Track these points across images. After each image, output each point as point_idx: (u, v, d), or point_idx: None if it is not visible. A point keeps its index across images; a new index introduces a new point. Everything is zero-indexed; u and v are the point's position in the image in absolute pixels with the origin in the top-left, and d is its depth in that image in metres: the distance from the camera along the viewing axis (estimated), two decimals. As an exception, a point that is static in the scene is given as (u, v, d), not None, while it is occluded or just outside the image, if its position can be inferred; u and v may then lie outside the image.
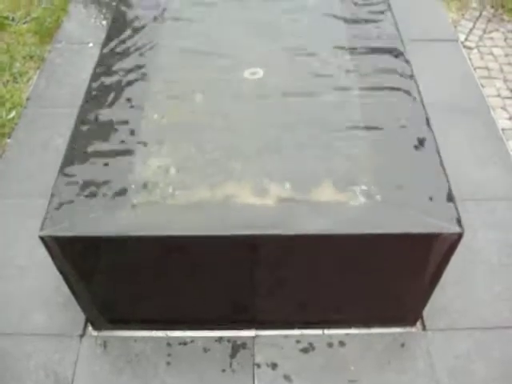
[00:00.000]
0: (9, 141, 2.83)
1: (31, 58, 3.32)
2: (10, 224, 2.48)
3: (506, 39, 3.56)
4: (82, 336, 2.11)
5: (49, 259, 1.77)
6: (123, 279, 1.84)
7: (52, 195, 1.69)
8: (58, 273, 1.83)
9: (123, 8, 2.45)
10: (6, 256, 2.36)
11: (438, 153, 1.80)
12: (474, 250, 2.32)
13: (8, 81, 3.19)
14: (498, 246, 2.36)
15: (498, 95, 3.15)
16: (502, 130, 2.88)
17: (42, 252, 1.74)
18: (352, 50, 2.16)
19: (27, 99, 3.05)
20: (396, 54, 2.16)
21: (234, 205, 1.64)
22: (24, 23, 3.62)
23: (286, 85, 2.02)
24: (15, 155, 2.75)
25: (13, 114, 2.98)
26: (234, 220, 1.60)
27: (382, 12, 2.37)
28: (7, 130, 2.90)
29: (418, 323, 2.13)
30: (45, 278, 2.24)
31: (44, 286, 2.25)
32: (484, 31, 3.60)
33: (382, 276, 1.77)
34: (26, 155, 2.73)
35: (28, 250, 2.33)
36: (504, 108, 3.06)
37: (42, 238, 1.63)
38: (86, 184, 1.70)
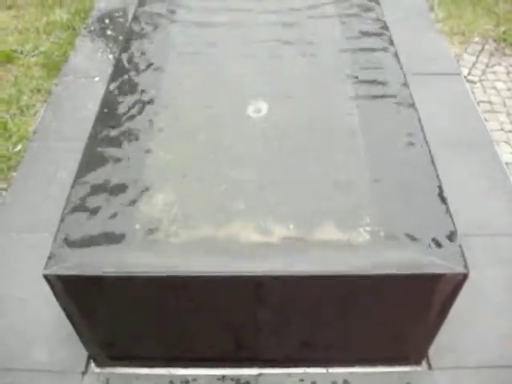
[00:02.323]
0: (15, 174, 2.85)
1: (38, 91, 3.36)
2: (14, 257, 2.48)
3: (508, 73, 3.59)
4: (84, 373, 2.09)
5: (51, 294, 1.76)
6: (126, 317, 1.84)
7: (57, 233, 1.70)
8: (60, 308, 1.83)
9: (130, 43, 2.49)
10: (8, 289, 2.35)
11: (442, 190, 1.80)
12: (479, 287, 2.30)
13: (15, 114, 3.22)
14: (503, 282, 2.34)
15: (502, 129, 3.16)
16: (506, 164, 2.88)
17: (45, 286, 1.73)
18: (355, 85, 2.18)
19: (34, 132, 3.07)
20: (399, 86, 2.17)
21: (237, 244, 1.64)
22: (32, 56, 3.67)
23: (289, 121, 2.04)
24: (21, 188, 2.76)
25: (19, 147, 3.01)
26: (238, 259, 1.60)
27: (384, 45, 2.41)
28: (13, 163, 2.92)
29: (424, 362, 2.10)
30: (47, 312, 2.23)
31: (46, 320, 2.24)
32: (487, 65, 3.63)
33: (386, 315, 1.75)
34: (31, 189, 2.75)
35: (30, 284, 2.31)
36: (508, 142, 3.06)
37: (46, 277, 1.63)
38: (91, 222, 1.71)
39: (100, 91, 2.30)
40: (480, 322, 2.23)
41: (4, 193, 2.77)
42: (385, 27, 2.51)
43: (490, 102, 3.34)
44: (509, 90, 3.46)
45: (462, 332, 2.18)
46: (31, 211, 2.64)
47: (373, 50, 2.35)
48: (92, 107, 2.29)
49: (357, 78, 2.20)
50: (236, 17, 2.58)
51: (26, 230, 2.56)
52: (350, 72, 2.24)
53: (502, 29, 3.90)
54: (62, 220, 1.74)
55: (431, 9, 4.05)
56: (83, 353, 2.11)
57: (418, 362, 2.08)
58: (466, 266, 1.59)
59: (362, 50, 2.37)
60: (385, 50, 2.36)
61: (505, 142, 3.07)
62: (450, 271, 1.58)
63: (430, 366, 2.09)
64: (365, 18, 2.59)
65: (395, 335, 1.88)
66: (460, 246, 1.64)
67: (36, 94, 3.35)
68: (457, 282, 1.62)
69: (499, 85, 3.49)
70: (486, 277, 2.34)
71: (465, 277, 1.60)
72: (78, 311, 1.81)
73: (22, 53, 3.71)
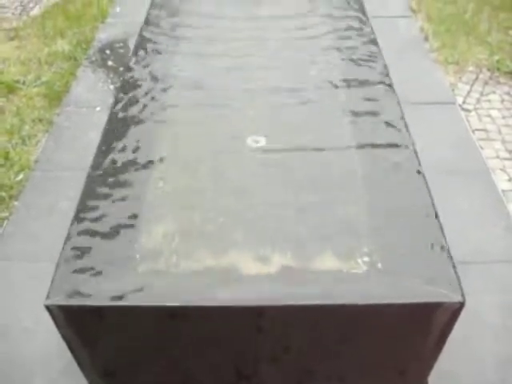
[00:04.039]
0: (16, 203, 2.88)
1: (40, 121, 3.41)
2: (15, 286, 2.50)
3: (502, 101, 3.65)
4: (84, 403, 2.10)
5: (52, 323, 1.78)
6: (126, 346, 1.85)
7: (58, 264, 1.72)
8: (60, 337, 1.84)
9: (130, 75, 2.53)
10: (9, 318, 2.37)
11: (438, 218, 1.83)
12: (478, 314, 2.32)
13: (17, 143, 3.26)
14: (501, 308, 2.36)
15: (497, 157, 3.21)
16: (502, 191, 2.92)
17: (46, 316, 1.75)
18: (351, 116, 2.22)
19: (35, 162, 3.12)
20: (393, 117, 2.22)
21: (237, 274, 1.66)
22: (34, 87, 3.73)
23: (288, 154, 2.07)
24: (22, 217, 2.80)
25: (21, 176, 3.04)
26: (237, 289, 1.62)
27: (379, 74, 2.46)
28: (15, 192, 2.95)
29: (424, 390, 2.11)
30: (47, 341, 2.24)
31: (47, 349, 2.25)
32: (481, 94, 3.69)
33: (384, 344, 1.76)
34: (32, 218, 2.78)
35: (31, 313, 2.33)
36: (503, 170, 3.11)
37: (48, 307, 1.65)
38: (92, 252, 1.73)
39: (101, 121, 2.34)
40: (479, 349, 2.25)
41: (5, 222, 2.79)
42: (380, 57, 2.56)
43: (485, 130, 3.40)
44: (503, 117, 3.52)
45: (461, 359, 2.19)
46: (32, 240, 2.66)
47: (368, 81, 2.40)
48: (93, 137, 2.32)
49: (352, 110, 2.24)
50: (237, 49, 2.63)
51: (28, 259, 2.58)
52: (345, 105, 2.28)
53: (496, 58, 3.97)
54: (63, 250, 1.76)
55: (426, 39, 4.13)
56: (83, 382, 2.11)
57: (417, 390, 2.08)
58: (462, 295, 1.61)
59: (357, 81, 2.42)
60: (380, 81, 2.41)
61: (500, 169, 3.11)
62: (447, 300, 1.60)
63: (429, 394, 2.10)
64: (360, 49, 2.64)
65: (394, 364, 1.89)
66: (456, 275, 1.66)
67: (38, 123, 3.40)
68: (454, 311, 1.64)
69: (494, 113, 3.55)
70: (484, 304, 2.36)
71: (461, 305, 1.62)
72: (79, 341, 1.81)
73: (24, 83, 3.77)
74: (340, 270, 1.66)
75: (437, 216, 1.84)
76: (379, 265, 1.66)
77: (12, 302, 2.43)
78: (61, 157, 3.13)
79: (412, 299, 1.60)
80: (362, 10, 2.87)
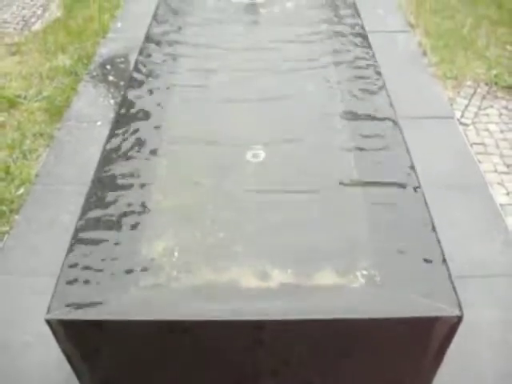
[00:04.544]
0: (17, 217, 2.90)
1: (41, 135, 3.43)
2: (15, 300, 2.50)
3: (500, 115, 3.68)
4: (83, 417, 2.10)
5: (51, 337, 1.78)
6: (126, 360, 1.85)
7: (58, 278, 1.73)
8: (60, 350, 1.85)
9: (131, 90, 2.56)
10: (9, 332, 2.38)
11: (436, 232, 1.84)
12: (477, 328, 2.33)
13: (18, 158, 3.29)
14: (500, 323, 2.37)
15: (495, 171, 3.23)
16: (501, 205, 2.94)
17: (45, 329, 1.75)
18: (349, 128, 2.25)
19: (36, 176, 3.14)
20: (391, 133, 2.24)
21: (237, 288, 1.67)
22: (35, 101, 3.76)
23: (287, 167, 2.09)
24: (23, 232, 2.81)
25: (21, 190, 3.06)
26: (237, 304, 1.63)
27: (377, 89, 2.48)
28: (16, 206, 2.97)
29: (423, 404, 2.11)
30: (47, 355, 2.25)
31: (46, 363, 2.25)
32: (479, 108, 3.72)
33: (383, 358, 1.77)
34: (33, 232, 2.79)
35: (31, 327, 2.34)
36: (501, 184, 3.12)
37: (48, 321, 1.65)
38: (93, 267, 1.74)
39: (102, 135, 2.36)
40: (478, 363, 2.25)
41: (6, 236, 2.81)
42: (378, 72, 2.59)
43: (483, 144, 3.42)
44: (501, 131, 3.54)
45: (460, 373, 2.19)
46: (33, 254, 2.67)
47: (368, 92, 2.43)
48: (94, 151, 2.34)
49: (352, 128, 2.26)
50: (238, 65, 2.66)
51: (28, 273, 2.60)
52: (343, 118, 2.30)
53: (494, 72, 4.01)
54: (64, 264, 1.77)
55: (424, 54, 4.17)
56: (83, 397, 2.12)
57: (416, 405, 2.08)
58: (460, 309, 1.62)
59: (356, 96, 2.44)
60: (378, 94, 2.43)
61: (498, 183, 3.13)
62: (445, 314, 1.61)
63: (429, 409, 2.10)
64: (358, 64, 2.67)
65: (393, 378, 1.89)
66: (454, 289, 1.67)
67: (39, 138, 3.43)
68: (452, 325, 1.64)
69: (492, 127, 3.58)
70: (483, 318, 2.37)
71: (459, 319, 1.63)
72: (79, 354, 1.82)
73: (25, 98, 3.80)
74: (339, 284, 1.67)
75: (435, 230, 1.85)
76: (377, 279, 1.68)
77: (12, 315, 2.44)
78: (61, 171, 3.15)
79: (410, 313, 1.61)
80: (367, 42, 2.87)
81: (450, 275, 1.70)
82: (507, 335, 2.33)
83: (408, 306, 1.62)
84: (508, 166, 3.26)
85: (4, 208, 2.95)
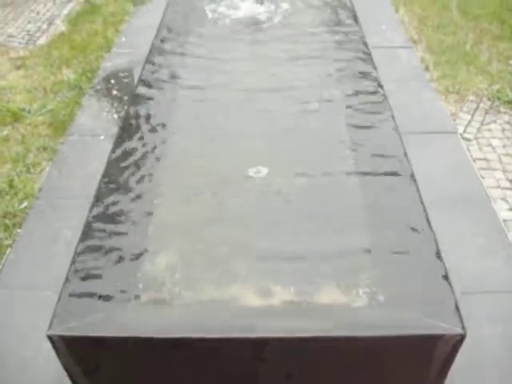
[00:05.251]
0: (19, 231, 2.90)
1: (45, 149, 3.44)
2: (17, 314, 2.50)
3: (503, 130, 3.68)
4: (84, 434, 2.08)
5: (52, 352, 1.78)
6: (128, 377, 1.84)
7: (61, 294, 1.73)
8: (60, 365, 1.84)
9: (135, 105, 2.57)
10: (9, 347, 2.37)
11: (438, 248, 1.84)
12: (480, 345, 2.31)
13: (21, 171, 3.29)
14: (503, 339, 2.35)
15: (498, 186, 3.22)
16: (504, 221, 2.93)
17: (46, 345, 1.75)
18: (352, 146, 2.25)
19: (39, 190, 3.14)
20: (395, 149, 2.24)
21: (239, 305, 1.67)
22: (39, 115, 3.77)
23: (289, 182, 2.09)
24: (25, 245, 2.81)
25: (25, 204, 3.06)
26: (239, 321, 1.63)
27: (379, 104, 2.49)
28: (18, 219, 2.97)
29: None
30: (47, 370, 2.24)
31: (46, 378, 2.24)
32: (482, 123, 3.72)
33: (386, 376, 1.76)
34: (35, 246, 2.79)
35: (32, 342, 2.33)
36: (504, 199, 3.12)
37: (50, 337, 1.65)
38: (95, 283, 1.74)
39: (105, 150, 2.37)
40: (482, 380, 2.23)
41: (9, 249, 2.81)
42: (380, 86, 2.60)
43: (486, 159, 3.42)
44: (504, 146, 3.54)
45: (463, 391, 2.18)
46: (35, 268, 2.67)
47: (369, 112, 2.43)
48: (97, 165, 2.35)
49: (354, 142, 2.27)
50: (242, 80, 2.68)
51: (30, 287, 2.59)
52: (346, 133, 2.31)
53: (496, 87, 4.02)
54: (66, 281, 1.77)
55: (427, 69, 4.18)
56: (83, 413, 2.10)
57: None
58: (463, 327, 1.61)
59: (359, 110, 2.45)
60: (381, 112, 2.44)
61: (502, 198, 3.12)
62: (448, 332, 1.60)
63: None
64: (361, 78, 2.68)
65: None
66: (457, 307, 1.66)
67: (42, 152, 3.43)
68: (455, 343, 1.63)
69: (495, 142, 3.57)
70: (486, 334, 2.35)
71: (462, 337, 1.62)
72: (80, 370, 1.81)
73: (29, 112, 3.81)
74: (341, 302, 1.67)
75: (437, 246, 1.85)
76: (380, 297, 1.67)
77: (13, 330, 2.43)
78: (65, 185, 3.15)
79: (413, 331, 1.60)
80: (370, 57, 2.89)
81: (453, 293, 1.70)
82: (510, 352, 2.31)
83: (411, 324, 1.61)
84: (511, 181, 3.25)
85: (7, 222, 2.95)
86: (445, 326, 1.60)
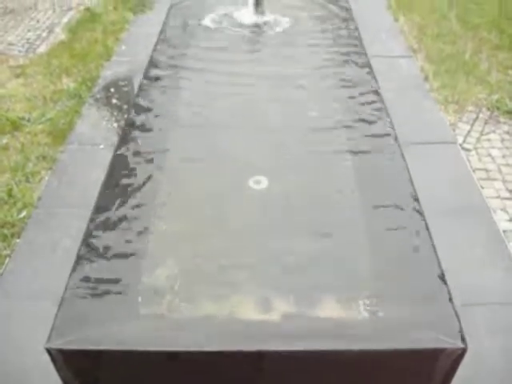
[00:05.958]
0: (18, 241, 2.89)
1: (44, 158, 3.43)
2: (15, 325, 2.48)
3: (502, 140, 3.68)
4: None
5: (50, 364, 1.76)
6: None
7: (59, 306, 1.71)
8: (59, 378, 1.83)
9: (135, 113, 2.57)
10: (7, 358, 2.35)
11: (438, 259, 1.83)
12: (481, 357, 2.30)
13: (20, 180, 3.28)
14: (504, 351, 2.34)
15: (498, 196, 3.22)
16: (503, 231, 2.92)
17: (44, 356, 1.74)
18: (351, 155, 2.26)
19: (38, 199, 3.13)
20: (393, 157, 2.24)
21: (238, 318, 1.66)
22: (39, 124, 3.76)
23: (289, 194, 2.09)
24: (24, 255, 2.79)
25: (23, 213, 3.05)
26: (238, 334, 1.62)
27: (379, 113, 2.49)
28: (17, 229, 2.96)
29: None
30: (46, 382, 2.22)
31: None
32: (481, 133, 3.73)
33: (387, 391, 1.76)
34: (34, 256, 2.78)
35: (30, 353, 2.31)
36: (504, 209, 3.11)
37: (48, 350, 1.64)
38: (94, 296, 1.73)
39: (105, 159, 2.36)
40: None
41: (7, 259, 2.79)
42: (380, 97, 2.60)
43: (485, 170, 3.42)
44: (504, 156, 3.54)
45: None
46: (34, 279, 2.66)
47: (368, 121, 2.44)
48: (97, 174, 2.35)
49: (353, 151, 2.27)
50: (241, 91, 2.68)
51: (28, 297, 2.57)
52: (346, 146, 2.31)
53: (495, 97, 4.02)
54: (65, 292, 1.76)
55: (426, 78, 4.19)
56: (81, 425, 2.09)
57: None
58: (464, 341, 1.60)
59: (358, 121, 2.45)
60: (380, 120, 2.44)
61: (501, 209, 3.12)
62: (449, 346, 1.59)
63: None
64: (360, 88, 2.69)
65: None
66: (458, 320, 1.66)
67: (41, 161, 3.42)
68: (456, 357, 1.63)
69: (494, 152, 3.58)
70: (486, 347, 2.34)
71: (464, 351, 1.61)
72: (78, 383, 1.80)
73: (28, 120, 3.80)
74: (341, 316, 1.66)
75: (437, 257, 1.84)
76: (380, 311, 1.66)
77: (11, 341, 2.41)
78: (64, 194, 3.14)
79: (414, 345, 1.59)
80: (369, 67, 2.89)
81: (453, 306, 1.69)
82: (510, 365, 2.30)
83: (412, 338, 1.61)
84: (511, 191, 3.25)
85: (5, 231, 2.93)
86: (446, 340, 1.60)
